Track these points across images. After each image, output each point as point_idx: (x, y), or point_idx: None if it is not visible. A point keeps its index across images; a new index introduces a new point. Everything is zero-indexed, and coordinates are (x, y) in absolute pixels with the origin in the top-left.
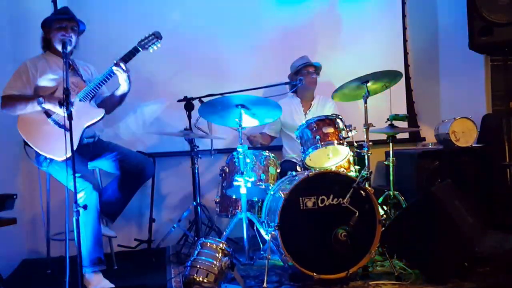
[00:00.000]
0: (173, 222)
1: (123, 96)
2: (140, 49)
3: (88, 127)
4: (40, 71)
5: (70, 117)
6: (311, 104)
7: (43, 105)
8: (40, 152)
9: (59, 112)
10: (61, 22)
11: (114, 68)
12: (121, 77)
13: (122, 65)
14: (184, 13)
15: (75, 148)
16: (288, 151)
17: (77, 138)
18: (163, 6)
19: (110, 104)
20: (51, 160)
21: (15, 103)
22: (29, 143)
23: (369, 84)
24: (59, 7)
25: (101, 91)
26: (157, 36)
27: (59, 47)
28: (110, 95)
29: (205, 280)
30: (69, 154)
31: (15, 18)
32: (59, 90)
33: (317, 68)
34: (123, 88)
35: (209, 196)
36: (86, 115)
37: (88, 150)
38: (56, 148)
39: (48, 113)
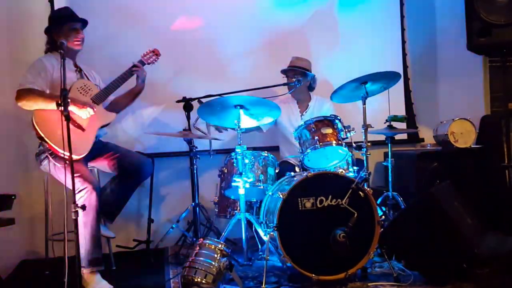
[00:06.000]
0: (172, 223)
1: (138, 94)
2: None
3: (100, 128)
4: (55, 69)
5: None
6: (307, 105)
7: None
8: (58, 150)
9: (78, 113)
10: (72, 24)
11: (134, 69)
12: (141, 76)
13: (140, 66)
14: (183, 14)
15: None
16: (285, 152)
17: (91, 139)
18: (162, 7)
19: (124, 102)
20: (51, 160)
21: (36, 98)
22: (47, 140)
23: (367, 85)
24: (56, 7)
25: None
26: (156, 54)
27: (77, 48)
28: (124, 94)
29: (203, 281)
30: (86, 153)
31: (12, 18)
32: (72, 90)
33: (299, 72)
34: (140, 87)
35: (208, 196)
36: (100, 117)
37: None
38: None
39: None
